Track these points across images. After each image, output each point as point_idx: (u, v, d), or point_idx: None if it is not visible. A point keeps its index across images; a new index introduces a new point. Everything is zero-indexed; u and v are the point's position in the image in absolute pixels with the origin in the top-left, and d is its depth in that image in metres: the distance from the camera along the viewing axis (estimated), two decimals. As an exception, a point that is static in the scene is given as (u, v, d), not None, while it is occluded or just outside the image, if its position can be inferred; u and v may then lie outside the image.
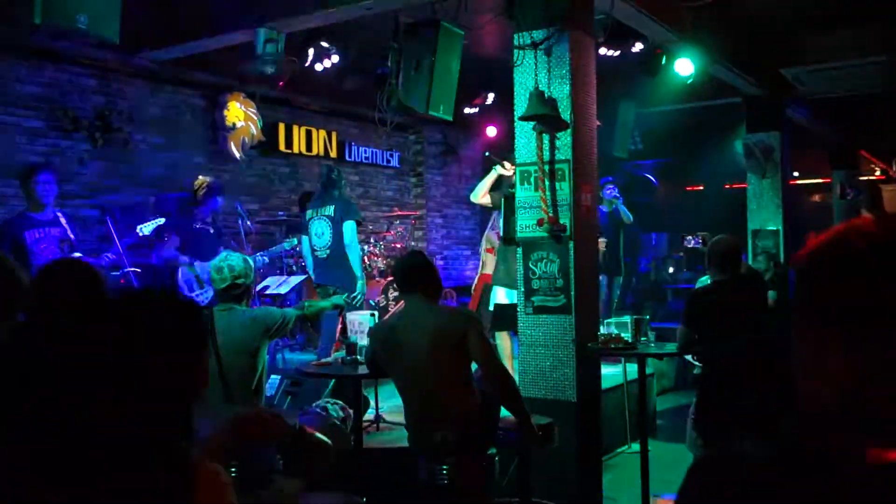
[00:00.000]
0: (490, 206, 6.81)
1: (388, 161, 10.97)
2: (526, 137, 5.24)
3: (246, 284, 4.04)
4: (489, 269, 7.40)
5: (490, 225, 7.55)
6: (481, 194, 6.77)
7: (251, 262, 4.18)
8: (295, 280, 7.14)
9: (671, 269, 11.63)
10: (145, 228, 5.81)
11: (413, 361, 3.53)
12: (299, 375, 5.74)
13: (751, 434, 2.61)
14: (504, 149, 7.23)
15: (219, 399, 3.70)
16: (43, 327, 2.37)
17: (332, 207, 6.51)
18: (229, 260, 4.04)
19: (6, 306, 2.63)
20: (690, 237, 10.17)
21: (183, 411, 1.54)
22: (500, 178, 6.82)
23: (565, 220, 5.04)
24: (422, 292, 3.68)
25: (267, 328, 3.95)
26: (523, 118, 5.11)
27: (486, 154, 7.47)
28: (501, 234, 6.62)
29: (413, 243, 10.05)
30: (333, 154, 9.97)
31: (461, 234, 12.19)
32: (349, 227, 6.26)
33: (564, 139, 5.11)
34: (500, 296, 6.38)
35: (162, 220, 5.97)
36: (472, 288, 7.98)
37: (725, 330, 4.20)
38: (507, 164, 6.68)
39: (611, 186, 9.02)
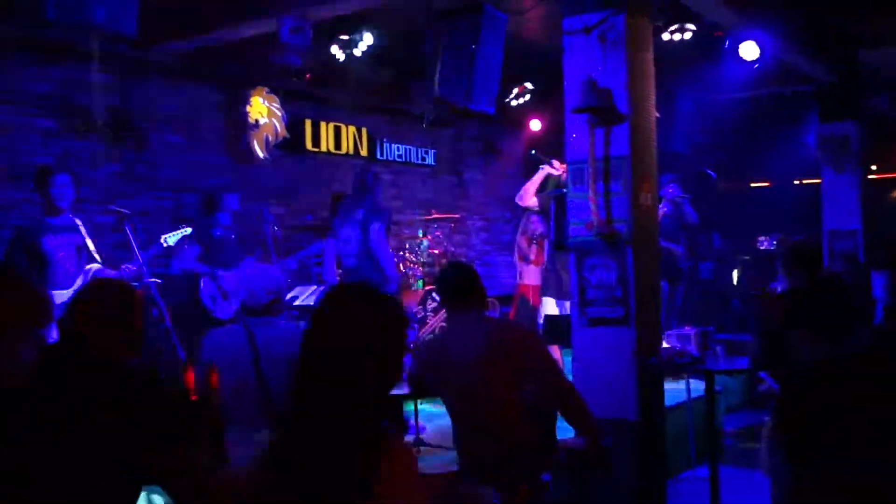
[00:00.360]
0: (538, 209, 6.77)
1: (424, 159, 10.94)
2: (577, 132, 5.19)
3: (283, 297, 4.06)
4: (527, 279, 7.36)
5: (521, 229, 7.49)
6: (528, 196, 6.73)
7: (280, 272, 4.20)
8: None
9: (735, 274, 11.44)
10: (170, 239, 5.84)
11: (464, 380, 3.51)
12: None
13: (856, 455, 2.52)
14: (550, 144, 7.19)
15: (261, 417, 3.70)
16: (76, 349, 2.40)
17: (362, 211, 6.50)
18: (270, 272, 4.06)
19: (26, 324, 2.66)
20: (764, 238, 9.93)
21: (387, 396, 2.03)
22: (548, 177, 6.78)
23: (622, 222, 4.97)
24: (469, 306, 3.66)
25: None
26: (576, 111, 5.06)
27: (532, 152, 7.42)
28: (552, 238, 6.59)
29: (452, 248, 10.01)
30: (364, 152, 9.96)
31: (503, 238, 12.14)
32: (374, 229, 6.25)
33: (620, 133, 5.05)
34: (550, 307, 6.34)
35: (188, 231, 6.00)
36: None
37: (808, 340, 4.10)
38: (555, 163, 6.64)
39: (673, 185, 8.89)
